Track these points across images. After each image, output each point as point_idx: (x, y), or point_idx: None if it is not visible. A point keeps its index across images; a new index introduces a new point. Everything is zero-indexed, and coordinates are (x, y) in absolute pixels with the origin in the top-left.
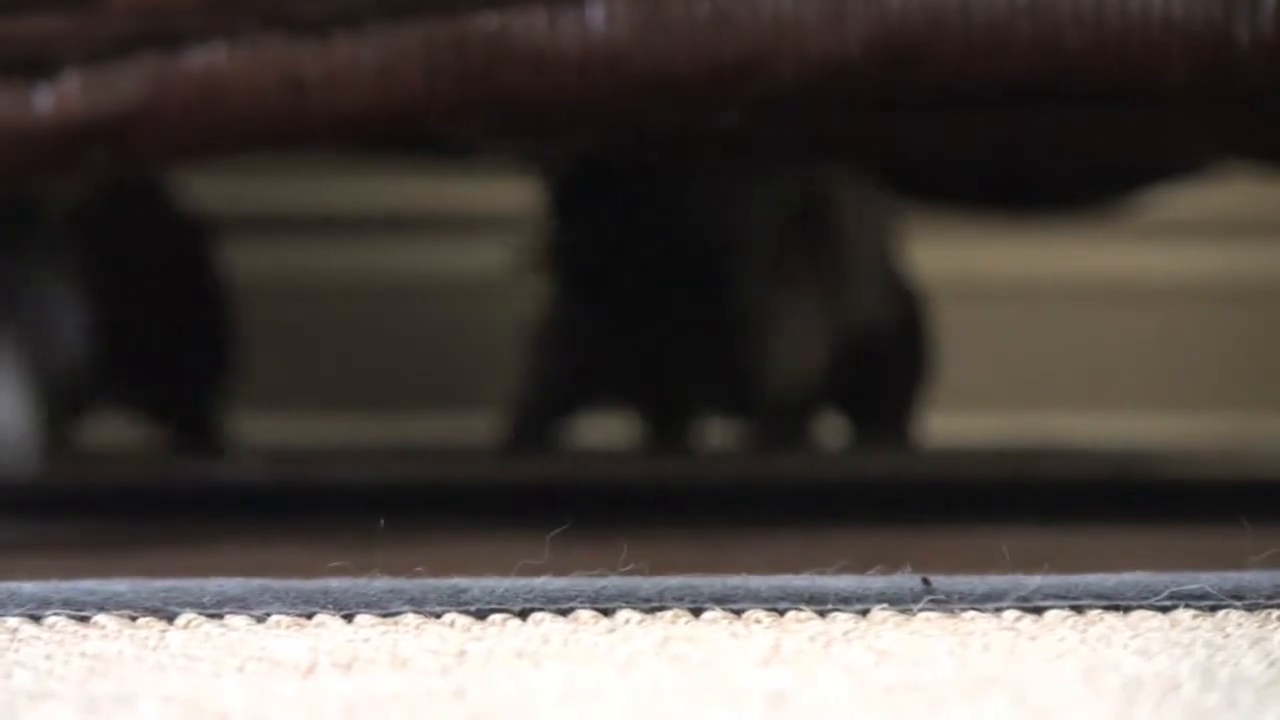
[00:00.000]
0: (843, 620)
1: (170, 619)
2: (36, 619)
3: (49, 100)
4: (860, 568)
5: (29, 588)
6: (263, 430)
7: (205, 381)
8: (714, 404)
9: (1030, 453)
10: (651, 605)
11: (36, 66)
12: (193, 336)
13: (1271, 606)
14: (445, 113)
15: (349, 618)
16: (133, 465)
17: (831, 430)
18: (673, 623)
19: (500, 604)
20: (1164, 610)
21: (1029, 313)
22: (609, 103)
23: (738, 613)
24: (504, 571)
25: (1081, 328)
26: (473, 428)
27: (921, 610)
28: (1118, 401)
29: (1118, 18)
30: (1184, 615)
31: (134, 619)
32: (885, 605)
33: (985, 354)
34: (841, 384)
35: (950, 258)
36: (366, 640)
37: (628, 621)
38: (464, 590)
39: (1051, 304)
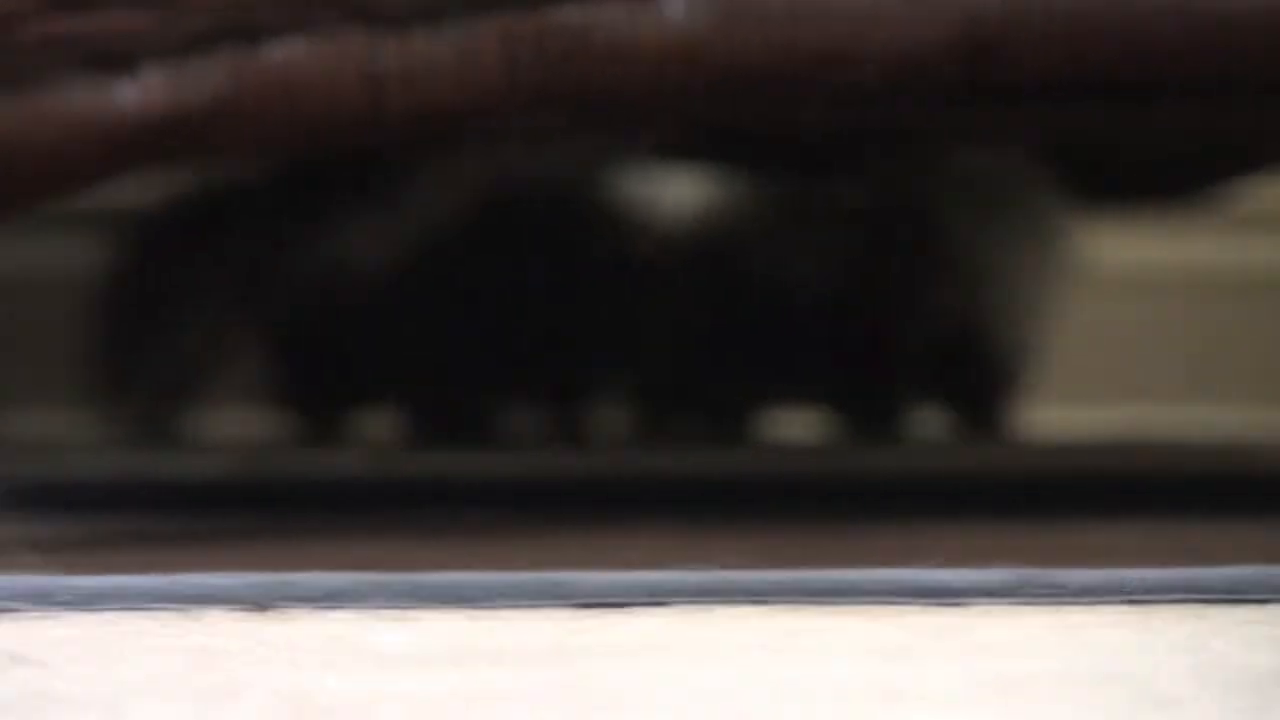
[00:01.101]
0: (948, 613)
1: (277, 612)
2: (143, 613)
3: (130, 95)
4: (964, 562)
5: (135, 581)
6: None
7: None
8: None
9: (1137, 446)
10: (755, 599)
11: (118, 61)
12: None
13: None
14: (523, 106)
15: (458, 611)
16: (239, 458)
17: (931, 424)
18: (777, 616)
19: (601, 598)
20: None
21: (1136, 304)
22: (687, 95)
23: (845, 606)
24: (606, 565)
25: (1186, 319)
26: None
27: (1028, 604)
28: (1223, 394)
29: (1203, 7)
30: None
31: (241, 612)
32: (991, 599)
33: (1090, 347)
34: (943, 378)
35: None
36: (471, 634)
37: (731, 615)
38: (565, 584)
39: (1159, 296)
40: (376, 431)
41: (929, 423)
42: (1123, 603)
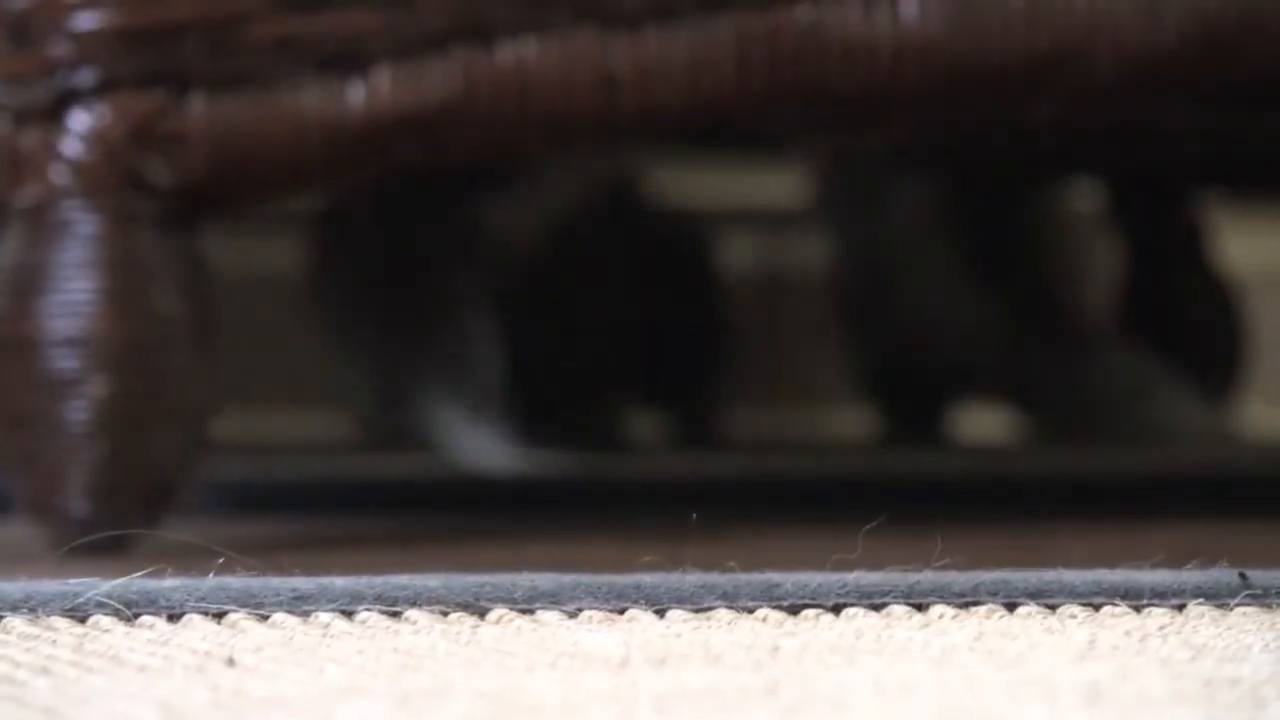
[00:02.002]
0: (1159, 615)
1: (482, 614)
2: (348, 614)
3: (361, 95)
4: (1177, 562)
5: (341, 583)
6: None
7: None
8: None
9: None
10: (965, 600)
11: (348, 61)
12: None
13: None
14: (757, 106)
15: (661, 613)
16: (440, 461)
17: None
18: (987, 617)
19: (813, 599)
20: None
21: None
22: (921, 95)
23: (1052, 607)
24: (817, 566)
25: None
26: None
27: (1238, 605)
28: None
29: None
30: None
31: (446, 614)
32: (1202, 600)
33: None
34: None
35: (1263, 249)
36: (679, 635)
37: (941, 616)
38: (777, 585)
39: None
40: (585, 434)
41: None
42: None
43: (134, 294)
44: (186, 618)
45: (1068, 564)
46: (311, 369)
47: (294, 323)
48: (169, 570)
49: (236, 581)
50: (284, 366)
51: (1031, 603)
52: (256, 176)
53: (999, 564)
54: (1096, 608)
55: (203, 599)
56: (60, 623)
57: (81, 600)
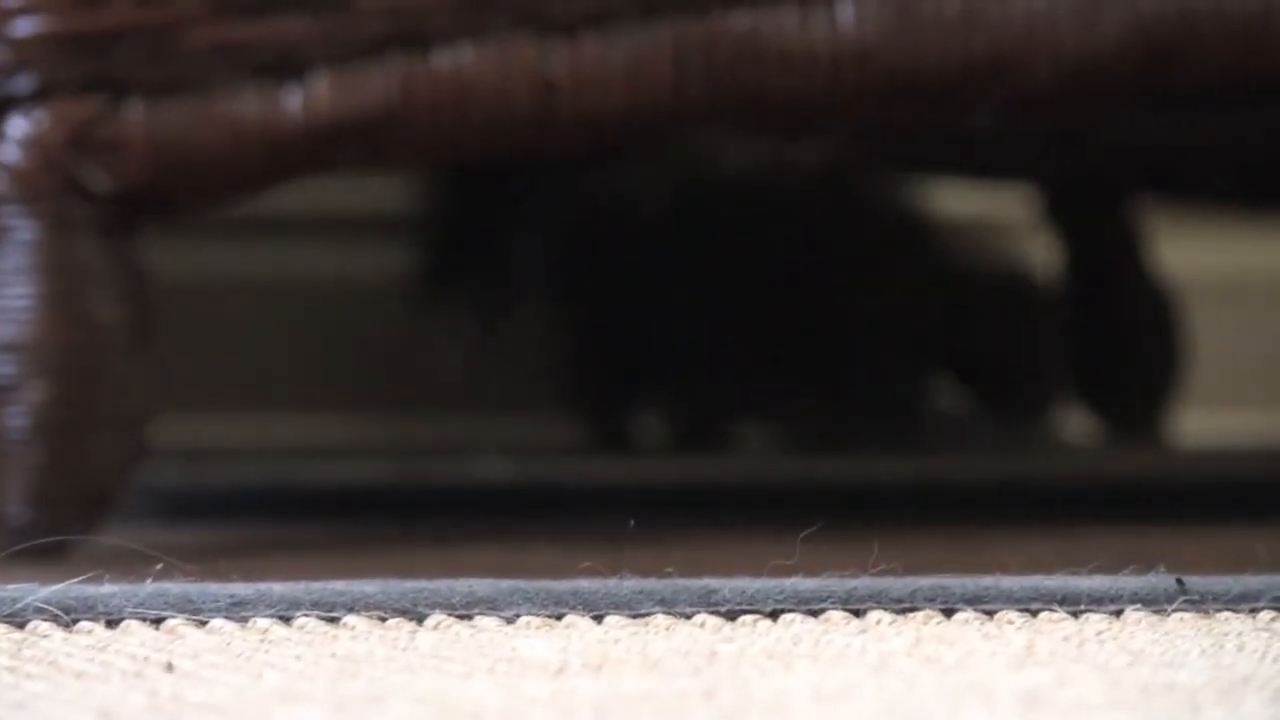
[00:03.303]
0: (1096, 621)
1: (420, 620)
2: (286, 620)
3: (297, 101)
4: (1114, 568)
5: (279, 589)
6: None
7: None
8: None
9: None
10: (903, 606)
11: (285, 68)
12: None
13: None
14: (694, 113)
15: (599, 619)
16: (382, 465)
17: (1084, 429)
18: (925, 623)
19: (751, 605)
20: None
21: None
22: (859, 101)
23: (990, 613)
24: (755, 572)
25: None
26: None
27: (1175, 611)
28: None
29: None
30: None
31: (384, 620)
32: (1139, 606)
33: (1238, 352)
34: (1094, 383)
35: (1201, 255)
36: (617, 641)
37: (879, 622)
38: (714, 591)
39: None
40: (528, 438)
41: (1084, 429)
42: (1276, 610)
43: (72, 299)
44: (125, 623)
45: (1005, 570)
46: (256, 373)
47: (245, 327)
48: (107, 576)
49: (175, 587)
50: (229, 371)
51: (969, 608)
52: (195, 182)
53: (936, 570)
54: (1034, 613)
55: (141, 605)
56: None
57: (19, 606)
